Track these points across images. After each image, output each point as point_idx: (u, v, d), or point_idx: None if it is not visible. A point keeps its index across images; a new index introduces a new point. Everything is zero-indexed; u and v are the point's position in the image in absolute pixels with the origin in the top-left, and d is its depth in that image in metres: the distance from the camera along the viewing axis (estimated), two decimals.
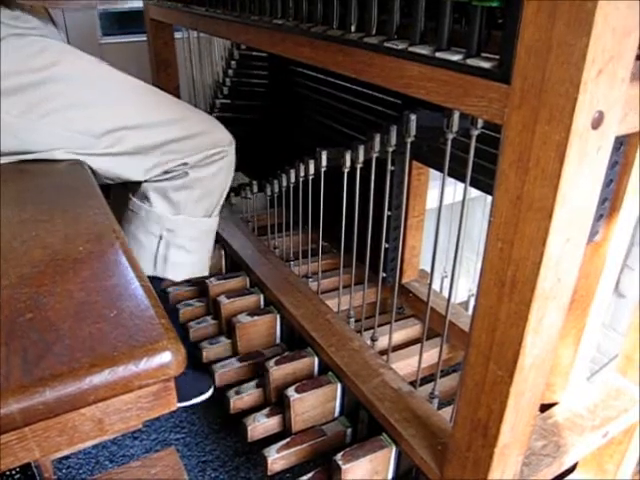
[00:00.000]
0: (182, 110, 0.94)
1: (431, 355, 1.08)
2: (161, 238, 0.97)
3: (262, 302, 1.27)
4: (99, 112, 0.85)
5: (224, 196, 1.03)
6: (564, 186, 0.47)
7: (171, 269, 1.01)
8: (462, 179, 0.77)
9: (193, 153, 0.91)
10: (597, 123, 0.46)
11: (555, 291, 0.54)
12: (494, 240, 0.55)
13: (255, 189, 1.39)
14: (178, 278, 1.05)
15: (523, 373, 0.58)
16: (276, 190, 1.27)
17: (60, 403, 0.39)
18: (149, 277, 0.99)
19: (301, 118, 1.36)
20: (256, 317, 1.18)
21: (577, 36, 0.42)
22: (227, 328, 1.23)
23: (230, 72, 1.48)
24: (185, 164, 0.91)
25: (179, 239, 0.99)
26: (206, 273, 1.09)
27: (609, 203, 0.76)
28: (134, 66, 1.57)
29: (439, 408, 0.91)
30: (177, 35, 1.58)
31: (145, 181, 0.94)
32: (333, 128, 1.23)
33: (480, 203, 1.58)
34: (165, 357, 0.42)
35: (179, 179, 0.94)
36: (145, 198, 0.96)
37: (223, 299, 1.23)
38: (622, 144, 0.71)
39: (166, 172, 0.93)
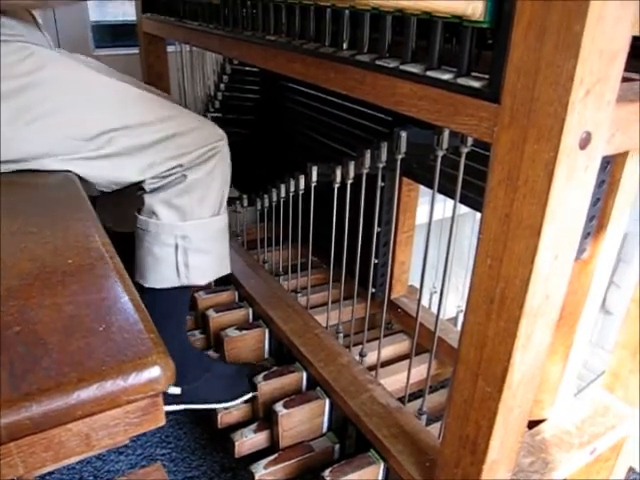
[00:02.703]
0: (170, 109, 0.94)
1: (419, 371, 1.08)
2: (177, 247, 0.97)
3: (251, 316, 1.26)
4: (86, 115, 0.85)
5: (227, 192, 1.03)
6: (552, 204, 0.48)
7: (194, 274, 1.01)
8: (451, 196, 0.78)
9: (186, 152, 0.91)
10: (585, 143, 0.47)
11: (544, 308, 0.54)
12: (483, 257, 0.56)
13: (245, 203, 1.39)
14: (204, 281, 1.04)
15: (512, 389, 0.58)
16: (266, 204, 1.27)
17: (47, 418, 0.39)
18: (176, 288, 1.00)
19: (292, 133, 1.37)
20: (245, 331, 1.18)
21: (565, 58, 0.43)
22: (215, 342, 1.22)
23: (222, 86, 1.49)
24: (180, 166, 0.91)
25: (194, 243, 0.98)
26: (229, 271, 1.09)
27: (596, 221, 0.77)
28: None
29: (428, 424, 0.91)
30: (170, 48, 1.58)
31: (145, 191, 0.94)
32: (324, 143, 1.24)
33: (469, 219, 1.59)
34: (154, 372, 0.41)
35: (179, 184, 0.93)
36: (152, 213, 0.96)
37: (212, 313, 1.23)
38: (609, 163, 0.72)
39: (164, 177, 0.93)
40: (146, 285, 1.00)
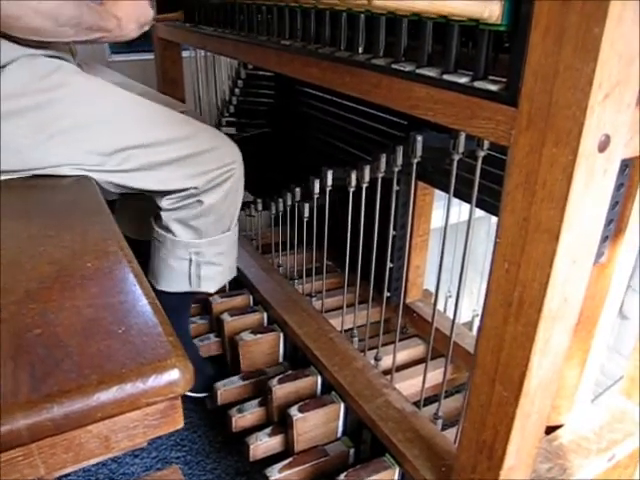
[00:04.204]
0: (189, 127, 0.95)
1: (435, 375, 1.08)
2: (191, 261, 1.03)
3: (265, 320, 1.26)
4: (108, 132, 0.86)
5: (238, 210, 1.07)
6: (571, 208, 0.47)
7: (205, 283, 1.07)
8: (467, 199, 0.77)
9: (202, 173, 0.93)
10: (604, 146, 0.46)
11: (562, 312, 0.54)
12: (500, 261, 0.55)
13: (260, 207, 1.39)
14: (212, 289, 1.11)
15: (529, 395, 0.57)
16: (281, 208, 1.27)
17: (67, 420, 0.39)
18: (186, 293, 1.07)
19: (307, 137, 1.37)
20: (259, 335, 1.18)
21: (584, 61, 0.42)
22: (230, 346, 1.23)
23: (237, 91, 1.50)
24: (195, 188, 0.93)
25: (207, 257, 1.04)
26: (234, 274, 1.15)
27: (614, 225, 0.76)
28: (141, 84, 1.59)
29: (443, 429, 0.91)
30: (184, 54, 1.59)
31: (161, 208, 0.97)
32: (338, 147, 1.24)
33: (484, 223, 1.58)
34: (173, 375, 0.42)
35: (195, 209, 0.97)
36: (168, 230, 1.00)
37: (226, 317, 1.23)
38: (627, 167, 0.72)
39: (180, 200, 0.95)
40: (158, 288, 1.07)
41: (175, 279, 1.05)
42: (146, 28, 0.97)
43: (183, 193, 0.94)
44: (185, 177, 0.92)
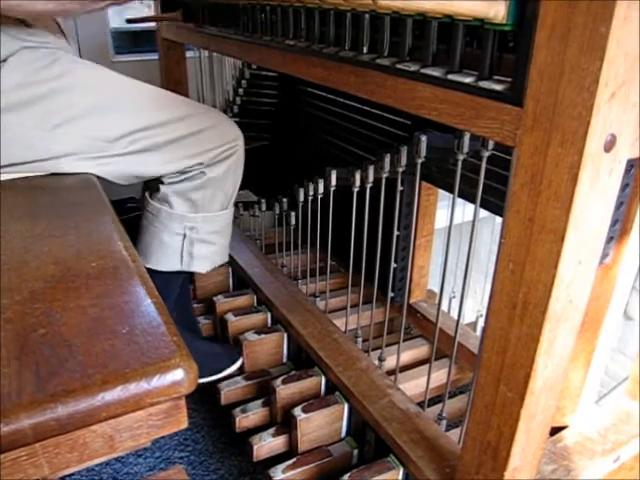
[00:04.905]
0: (190, 107, 0.97)
1: (438, 376, 1.07)
2: (185, 236, 1.01)
3: (269, 320, 1.26)
4: (111, 118, 0.87)
5: (237, 190, 1.06)
6: (576, 208, 0.47)
7: (197, 262, 1.05)
8: (471, 200, 0.77)
9: (206, 150, 0.94)
10: (610, 146, 0.46)
11: (567, 313, 0.54)
12: (505, 261, 0.55)
13: (263, 207, 1.39)
14: (204, 270, 1.08)
15: (534, 395, 0.57)
16: (285, 208, 1.27)
17: (72, 419, 0.39)
18: (175, 272, 1.04)
19: (310, 137, 1.37)
20: (263, 335, 1.18)
21: (590, 60, 0.42)
22: (234, 346, 1.23)
23: (240, 91, 1.50)
24: (201, 164, 0.94)
25: (201, 234, 1.02)
26: (227, 259, 1.13)
27: (619, 225, 0.76)
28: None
29: (447, 430, 0.90)
30: (188, 54, 1.60)
31: (162, 183, 0.97)
32: (342, 148, 1.24)
33: (488, 224, 1.58)
34: (177, 375, 0.42)
35: (197, 180, 0.96)
36: (165, 201, 0.99)
37: (230, 317, 1.23)
38: (633, 167, 0.71)
39: (184, 172, 0.95)
40: (147, 266, 1.02)
41: (166, 255, 1.03)
42: None
43: (188, 169, 0.95)
44: (190, 156, 0.93)
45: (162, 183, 0.97)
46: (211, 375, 1.16)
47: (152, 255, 1.03)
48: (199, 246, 1.03)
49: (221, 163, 0.97)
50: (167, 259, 1.03)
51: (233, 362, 1.17)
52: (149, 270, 1.01)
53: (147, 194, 1.02)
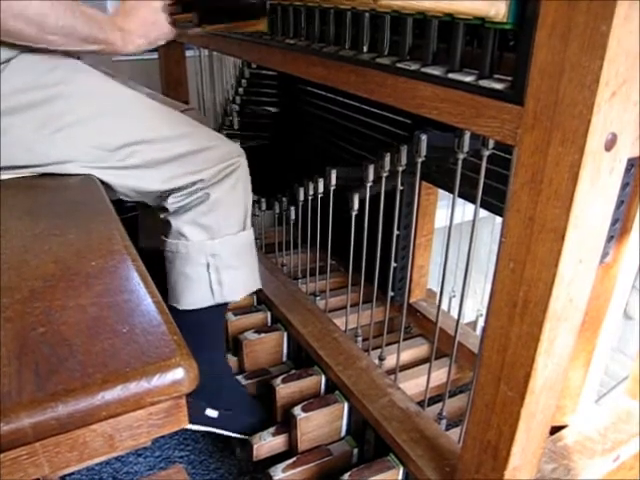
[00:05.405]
0: (190, 126, 0.96)
1: (438, 375, 1.07)
2: (209, 265, 0.97)
3: (269, 319, 1.27)
4: (112, 127, 0.87)
5: (250, 206, 1.03)
6: (577, 207, 0.47)
7: (228, 291, 1.00)
8: (471, 199, 0.77)
9: (206, 167, 0.92)
10: (610, 145, 0.46)
11: (567, 312, 0.54)
12: (505, 260, 0.55)
13: (263, 206, 1.39)
14: (238, 297, 1.04)
15: (534, 394, 0.57)
16: (284, 207, 1.27)
17: (72, 418, 0.39)
18: (209, 308, 0.99)
19: (310, 136, 1.37)
20: (263, 334, 1.18)
21: (591, 59, 0.42)
22: (234, 345, 1.23)
23: (241, 90, 1.50)
24: (202, 181, 0.92)
25: (225, 260, 0.98)
26: (260, 286, 1.08)
27: (620, 224, 0.76)
28: (145, 84, 1.59)
29: (447, 429, 0.90)
30: (188, 53, 1.59)
31: (168, 211, 0.95)
32: (342, 147, 1.24)
33: (488, 223, 1.58)
34: (178, 374, 0.41)
35: (203, 204, 0.94)
36: (180, 235, 0.96)
37: (230, 316, 1.23)
38: (633, 166, 0.71)
39: (187, 196, 0.93)
40: (181, 308, 0.99)
41: (196, 292, 0.98)
42: (160, 43, 0.95)
43: (189, 189, 0.93)
44: (189, 173, 0.92)
45: (169, 213, 0.95)
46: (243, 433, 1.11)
47: (181, 295, 0.99)
48: (226, 273, 0.99)
49: (223, 182, 0.95)
50: (197, 294, 0.99)
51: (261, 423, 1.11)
52: (185, 313, 0.98)
53: (162, 237, 0.99)
